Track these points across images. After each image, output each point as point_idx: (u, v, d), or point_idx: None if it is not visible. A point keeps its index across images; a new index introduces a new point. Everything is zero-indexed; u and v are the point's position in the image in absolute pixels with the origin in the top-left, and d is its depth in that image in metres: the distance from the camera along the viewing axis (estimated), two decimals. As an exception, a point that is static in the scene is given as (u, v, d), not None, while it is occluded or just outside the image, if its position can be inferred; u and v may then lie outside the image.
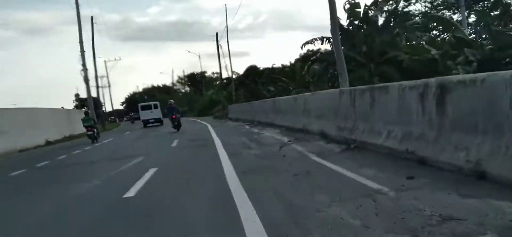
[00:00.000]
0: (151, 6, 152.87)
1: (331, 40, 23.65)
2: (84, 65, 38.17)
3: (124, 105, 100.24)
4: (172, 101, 24.78)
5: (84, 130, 20.27)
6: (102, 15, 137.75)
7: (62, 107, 41.34)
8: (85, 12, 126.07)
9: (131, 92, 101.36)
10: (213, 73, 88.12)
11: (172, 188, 6.38)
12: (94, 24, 43.79)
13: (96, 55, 43.80)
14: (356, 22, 22.93)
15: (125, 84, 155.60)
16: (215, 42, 44.56)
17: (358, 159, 6.97)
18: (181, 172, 7.85)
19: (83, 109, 40.57)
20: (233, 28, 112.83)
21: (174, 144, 14.26)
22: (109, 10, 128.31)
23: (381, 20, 24.69)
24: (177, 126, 21.69)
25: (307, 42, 23.36)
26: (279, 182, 5.77)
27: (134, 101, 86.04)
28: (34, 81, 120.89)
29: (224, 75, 52.63)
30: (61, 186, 7.70)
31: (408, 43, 24.35)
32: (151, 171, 7.97)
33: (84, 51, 38.32)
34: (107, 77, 72.14)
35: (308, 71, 30.68)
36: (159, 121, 36.84)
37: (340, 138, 9.26)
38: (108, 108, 77.61)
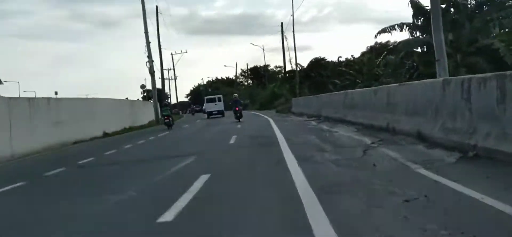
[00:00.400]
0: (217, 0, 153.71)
1: (410, 27, 20.97)
2: (149, 56, 37.92)
3: (189, 97, 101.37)
4: (236, 95, 27.98)
5: (145, 122, 21.93)
6: (169, 9, 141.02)
7: (127, 98, 41.48)
8: (152, 6, 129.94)
9: (196, 84, 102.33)
10: (276, 67, 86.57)
11: (226, 211, 4.53)
12: (160, 15, 43.65)
13: (161, 47, 43.65)
14: (443, 6, 19.96)
15: (190, 76, 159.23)
16: (280, 34, 42.77)
17: (495, 177, 4.73)
18: (239, 185, 6.00)
19: (149, 100, 41.20)
20: (296, 21, 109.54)
21: (232, 141, 12.55)
22: (176, 3, 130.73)
23: (470, 4, 21.50)
24: (239, 116, 24.86)
25: (383, 30, 20.81)
26: (386, 215, 3.72)
27: (198, 93, 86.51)
28: (105, 73, 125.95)
29: (288, 68, 50.67)
30: (85, 198, 6.07)
31: (502, 30, 21.02)
32: (201, 180, 6.20)
33: (150, 42, 38.11)
34: (173, 69, 72.74)
35: (379, 64, 28.00)
36: (221, 113, 38.23)
37: (447, 142, 6.97)
38: (173, 100, 78.49)
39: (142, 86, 42.98)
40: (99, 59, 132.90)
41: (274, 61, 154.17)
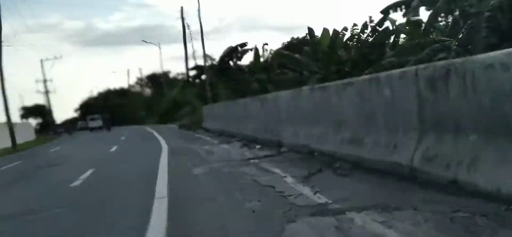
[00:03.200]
0: (114, 13, 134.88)
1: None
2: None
3: (78, 112, 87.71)
4: (108, 115, 51.30)
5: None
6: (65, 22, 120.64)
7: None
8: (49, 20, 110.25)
9: (85, 97, 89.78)
10: (177, 73, 73.00)
11: None
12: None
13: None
14: None
15: (81, 89, 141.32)
16: (181, 43, 30.20)
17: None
18: None
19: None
20: (197, 31, 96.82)
21: None
22: (72, 18, 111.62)
23: None
24: (109, 128, 45.85)
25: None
26: None
27: (90, 106, 75.93)
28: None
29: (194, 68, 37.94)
30: None
31: None
32: None
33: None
34: (45, 80, 58.25)
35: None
36: (100, 127, 49.67)
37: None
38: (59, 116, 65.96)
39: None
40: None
41: (175, 70, 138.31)
